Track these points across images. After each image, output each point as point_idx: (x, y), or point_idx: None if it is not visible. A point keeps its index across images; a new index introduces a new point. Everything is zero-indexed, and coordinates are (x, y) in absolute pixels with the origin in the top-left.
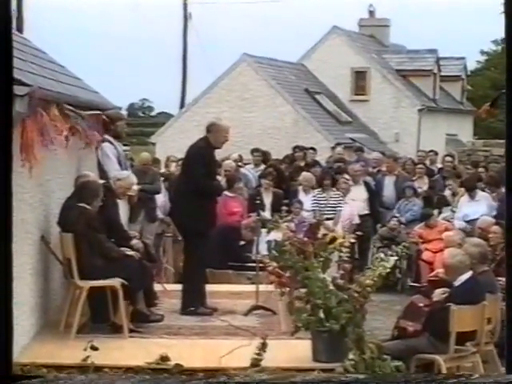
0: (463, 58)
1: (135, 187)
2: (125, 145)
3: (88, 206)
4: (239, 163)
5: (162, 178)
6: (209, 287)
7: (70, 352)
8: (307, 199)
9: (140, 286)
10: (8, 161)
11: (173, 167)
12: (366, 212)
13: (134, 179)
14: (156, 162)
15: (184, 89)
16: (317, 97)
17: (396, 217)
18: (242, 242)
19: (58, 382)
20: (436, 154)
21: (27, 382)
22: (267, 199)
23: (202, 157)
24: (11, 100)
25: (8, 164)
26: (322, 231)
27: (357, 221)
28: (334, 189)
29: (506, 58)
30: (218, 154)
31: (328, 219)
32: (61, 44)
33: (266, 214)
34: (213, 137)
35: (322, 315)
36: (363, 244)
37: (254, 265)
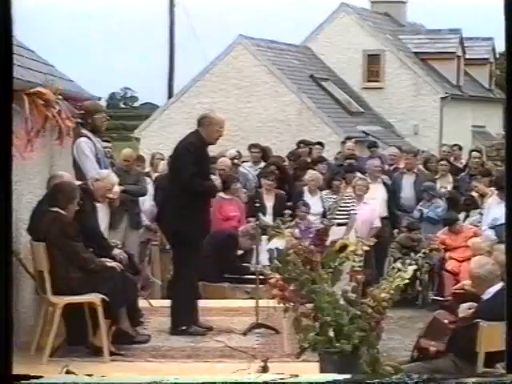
0: (491, 39)
1: (117, 189)
2: (106, 141)
3: (62, 211)
4: (236, 160)
5: (148, 179)
6: (202, 303)
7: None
8: (314, 201)
9: (123, 302)
10: (8, 161)
11: (160, 166)
12: (385, 215)
13: (116, 179)
14: (140, 159)
15: (171, 76)
16: (324, 84)
17: (420, 209)
18: (240, 251)
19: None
20: (461, 148)
21: (27, 382)
22: (268, 202)
23: (192, 154)
24: (11, 100)
25: (8, 164)
26: (331, 238)
27: (378, 224)
28: (346, 190)
29: (506, 57)
30: (212, 151)
31: (339, 224)
32: (30, 25)
33: (267, 219)
34: (205, 131)
35: (331, 334)
36: (379, 252)
37: (253, 277)
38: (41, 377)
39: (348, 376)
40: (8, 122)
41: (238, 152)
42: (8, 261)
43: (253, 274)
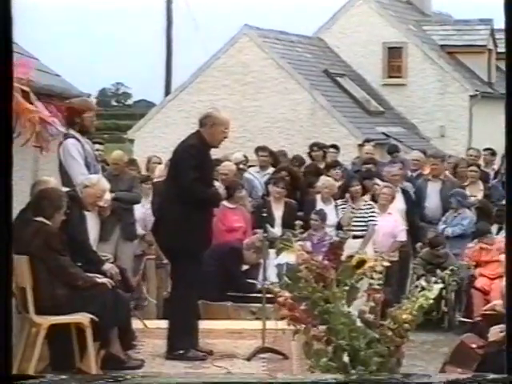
0: None
1: (108, 196)
2: (97, 143)
3: (47, 221)
4: (241, 165)
5: (142, 184)
6: (202, 324)
7: None
8: (327, 211)
9: (114, 322)
10: (8, 164)
11: (157, 171)
12: (405, 227)
13: (107, 186)
14: (134, 163)
15: (169, 71)
16: (339, 80)
17: (445, 224)
18: (245, 266)
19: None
20: (493, 153)
21: (27, 382)
22: (277, 211)
23: (194, 157)
24: (11, 100)
25: (8, 167)
26: (347, 252)
27: (403, 238)
28: (364, 198)
29: (506, 57)
30: (215, 154)
31: (356, 237)
32: (13, 16)
33: (276, 231)
34: (208, 132)
35: (346, 359)
36: (400, 268)
37: (259, 295)
38: (41, 377)
39: (354, 377)
40: (8, 122)
41: (245, 156)
42: (8, 259)
43: (259, 291)
